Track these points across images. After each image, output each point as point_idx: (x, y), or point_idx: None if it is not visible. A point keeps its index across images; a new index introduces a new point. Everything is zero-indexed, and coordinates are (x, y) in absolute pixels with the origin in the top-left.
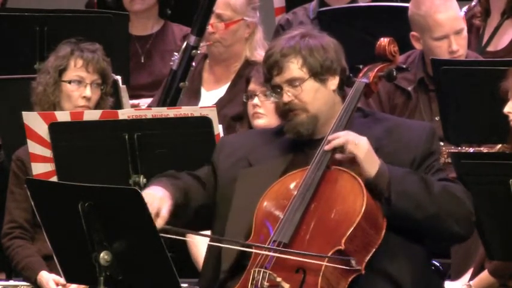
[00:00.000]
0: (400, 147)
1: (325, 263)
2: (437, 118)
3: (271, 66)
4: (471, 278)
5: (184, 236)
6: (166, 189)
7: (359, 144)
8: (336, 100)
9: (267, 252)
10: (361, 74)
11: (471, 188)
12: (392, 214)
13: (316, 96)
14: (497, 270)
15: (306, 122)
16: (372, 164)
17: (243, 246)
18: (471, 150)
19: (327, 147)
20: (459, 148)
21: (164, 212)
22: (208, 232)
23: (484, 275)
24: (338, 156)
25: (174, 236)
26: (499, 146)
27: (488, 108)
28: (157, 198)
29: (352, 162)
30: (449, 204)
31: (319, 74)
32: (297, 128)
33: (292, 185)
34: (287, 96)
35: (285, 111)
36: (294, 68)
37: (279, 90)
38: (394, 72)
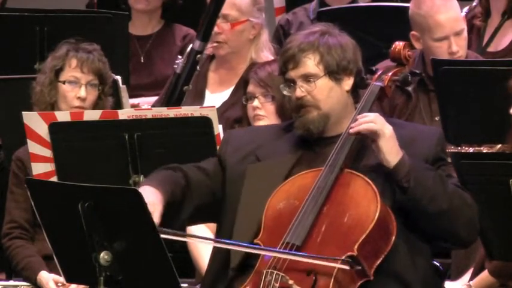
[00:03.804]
0: (411, 152)
1: (336, 266)
2: (437, 118)
3: (288, 60)
4: (471, 278)
5: (183, 237)
6: (158, 190)
7: (383, 134)
8: (349, 101)
9: (277, 254)
10: (375, 77)
11: (471, 187)
12: (406, 203)
13: (330, 94)
14: (497, 270)
15: (316, 119)
16: (392, 153)
17: (254, 248)
18: (471, 150)
19: (351, 131)
20: (459, 148)
21: (155, 218)
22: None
23: (484, 275)
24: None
25: (174, 238)
26: (499, 146)
27: (489, 108)
28: (148, 204)
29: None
30: (461, 206)
31: (334, 72)
32: (307, 125)
33: (303, 186)
34: (300, 92)
35: (296, 106)
36: (310, 64)
37: (292, 84)
38: (409, 77)
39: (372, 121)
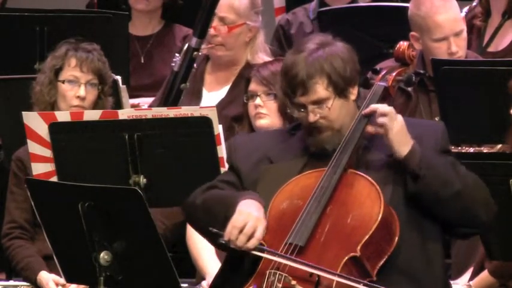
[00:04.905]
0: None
1: (336, 279)
2: (437, 118)
3: (296, 86)
4: (471, 278)
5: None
6: (261, 206)
7: (395, 121)
8: (355, 107)
9: (279, 259)
10: (379, 77)
11: None
12: (421, 191)
13: (341, 112)
14: (497, 270)
15: (331, 139)
16: (403, 143)
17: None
18: (471, 150)
19: (365, 111)
20: (459, 148)
21: (259, 234)
22: None
23: (484, 275)
24: (370, 128)
25: (264, 255)
26: (499, 146)
27: (488, 108)
28: (254, 218)
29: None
30: (475, 187)
31: (343, 90)
32: (323, 145)
33: (307, 186)
34: (314, 116)
35: (309, 128)
36: (320, 89)
37: (302, 109)
38: (413, 77)
39: (384, 113)
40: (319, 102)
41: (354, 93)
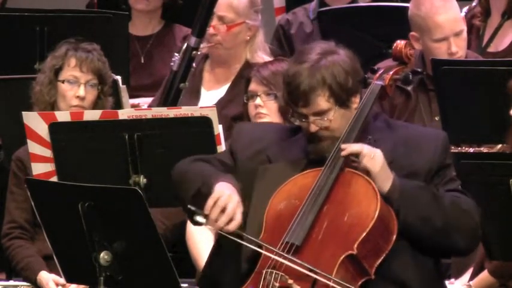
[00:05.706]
0: (417, 157)
1: (332, 279)
2: (437, 118)
3: (297, 98)
4: (471, 278)
5: (258, 247)
6: (235, 188)
7: (374, 158)
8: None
9: (277, 258)
10: (376, 76)
11: (471, 187)
12: (402, 228)
13: (342, 121)
14: (497, 270)
15: (331, 147)
16: (385, 179)
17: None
18: (471, 150)
19: (343, 153)
20: (459, 148)
21: (239, 217)
22: None
23: (484, 275)
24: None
25: (245, 243)
26: (499, 146)
27: (488, 108)
28: (234, 201)
29: (364, 171)
30: (458, 219)
31: (345, 100)
32: (323, 153)
33: (304, 185)
34: (314, 127)
35: (311, 137)
36: (322, 101)
37: (304, 119)
38: (411, 76)
39: (360, 147)
40: (320, 114)
41: (355, 102)
